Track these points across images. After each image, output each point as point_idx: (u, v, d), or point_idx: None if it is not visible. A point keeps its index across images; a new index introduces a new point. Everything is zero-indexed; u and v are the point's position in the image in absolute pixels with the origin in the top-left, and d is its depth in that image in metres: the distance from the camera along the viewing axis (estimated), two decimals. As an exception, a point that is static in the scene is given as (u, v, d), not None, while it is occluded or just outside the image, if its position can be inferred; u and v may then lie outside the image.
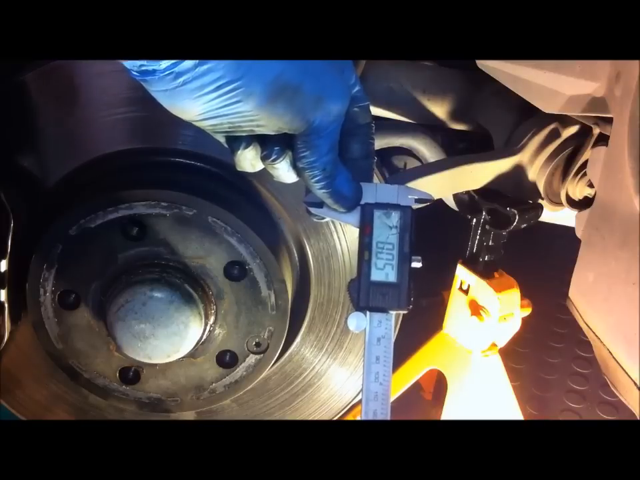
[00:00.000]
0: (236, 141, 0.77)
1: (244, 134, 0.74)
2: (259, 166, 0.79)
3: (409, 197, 0.82)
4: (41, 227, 0.99)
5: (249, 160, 0.78)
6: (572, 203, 1.40)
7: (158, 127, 1.00)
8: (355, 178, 0.80)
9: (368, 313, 0.79)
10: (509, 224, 1.37)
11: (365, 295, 0.79)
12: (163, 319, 0.96)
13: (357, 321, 0.79)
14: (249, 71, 0.66)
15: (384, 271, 0.80)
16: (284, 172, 0.78)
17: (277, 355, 1.04)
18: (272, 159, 0.77)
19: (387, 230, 0.81)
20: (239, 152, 0.77)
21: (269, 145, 0.77)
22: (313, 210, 0.80)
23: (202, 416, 1.12)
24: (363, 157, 0.82)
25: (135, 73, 0.66)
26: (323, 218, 0.82)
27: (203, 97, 0.67)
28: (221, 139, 0.77)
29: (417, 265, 0.82)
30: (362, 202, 0.81)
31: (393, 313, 0.80)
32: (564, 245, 1.43)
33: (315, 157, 0.74)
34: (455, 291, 1.52)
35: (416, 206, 0.82)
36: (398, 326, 1.09)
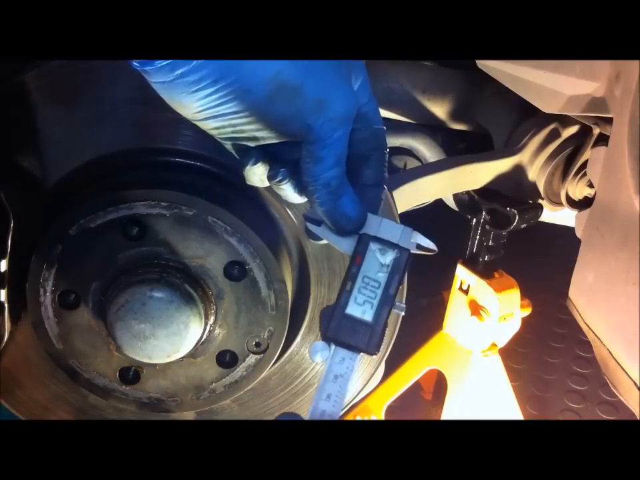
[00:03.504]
0: (246, 155, 0.76)
1: (249, 142, 0.74)
2: (267, 182, 0.79)
3: (412, 240, 0.77)
4: (41, 227, 0.99)
5: (258, 175, 0.78)
6: (572, 203, 1.41)
7: (158, 126, 1.00)
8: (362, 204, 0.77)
9: (332, 345, 0.75)
10: (509, 224, 1.37)
11: (335, 325, 0.74)
12: (163, 319, 0.95)
13: (320, 351, 0.75)
14: (246, 67, 0.66)
15: (362, 307, 0.75)
16: (290, 193, 0.78)
17: (277, 354, 1.04)
18: (277, 179, 0.76)
19: (377, 266, 0.76)
20: (248, 167, 0.77)
21: (276, 164, 0.76)
22: (310, 227, 0.78)
23: (202, 416, 1.12)
24: (372, 184, 0.79)
25: (135, 64, 0.67)
26: (320, 239, 0.79)
27: (199, 92, 0.66)
28: (232, 149, 0.77)
29: (399, 312, 0.78)
30: (361, 231, 0.77)
31: (359, 354, 0.75)
32: (564, 245, 1.43)
33: (319, 170, 0.72)
34: (455, 291, 1.52)
35: (415, 251, 0.77)
36: (398, 326, 1.08)
